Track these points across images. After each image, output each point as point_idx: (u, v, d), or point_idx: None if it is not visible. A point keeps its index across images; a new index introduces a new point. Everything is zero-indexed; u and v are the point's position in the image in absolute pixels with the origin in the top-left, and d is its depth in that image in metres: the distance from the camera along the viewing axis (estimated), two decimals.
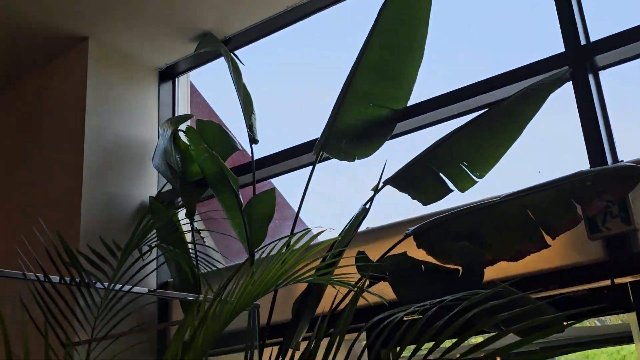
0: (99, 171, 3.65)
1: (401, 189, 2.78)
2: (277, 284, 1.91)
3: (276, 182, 3.75)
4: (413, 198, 2.76)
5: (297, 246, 1.88)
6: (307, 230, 2.53)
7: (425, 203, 2.75)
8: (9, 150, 4.21)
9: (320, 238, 2.37)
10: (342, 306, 2.54)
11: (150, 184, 3.87)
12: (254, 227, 3.11)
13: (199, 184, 3.49)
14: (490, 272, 2.48)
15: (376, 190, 2.79)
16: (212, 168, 3.26)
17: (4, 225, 3.96)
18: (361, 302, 2.09)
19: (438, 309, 1.82)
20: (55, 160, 3.82)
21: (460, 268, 2.50)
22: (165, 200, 3.77)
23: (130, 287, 2.13)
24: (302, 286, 2.75)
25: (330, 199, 3.94)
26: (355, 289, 1.93)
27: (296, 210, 2.99)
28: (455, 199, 2.75)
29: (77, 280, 2.08)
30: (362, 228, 2.84)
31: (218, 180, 3.24)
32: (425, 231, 2.62)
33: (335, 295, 2.33)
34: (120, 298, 2.10)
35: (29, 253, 2.05)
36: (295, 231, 2.92)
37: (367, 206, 2.78)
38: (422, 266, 2.57)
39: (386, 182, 2.79)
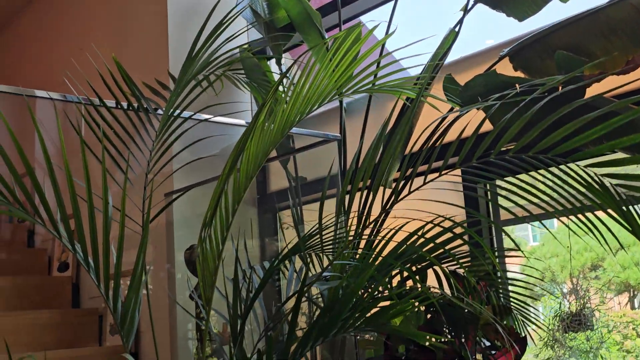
0: (183, 21, 3.55)
1: (494, 6, 2.46)
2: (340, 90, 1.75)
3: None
4: (508, 15, 2.44)
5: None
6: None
7: (521, 18, 2.42)
8: None
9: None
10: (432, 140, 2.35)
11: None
12: (341, 67, 2.92)
13: (287, 30, 3.33)
14: (597, 89, 2.16)
15: (465, 10, 2.49)
16: (296, 8, 3.08)
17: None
18: (453, 135, 1.90)
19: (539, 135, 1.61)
20: (140, 10, 3.78)
21: (560, 87, 2.20)
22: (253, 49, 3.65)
23: (192, 113, 2.04)
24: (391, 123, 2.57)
25: (418, 30, 3.63)
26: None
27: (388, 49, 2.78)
28: (557, 11, 2.39)
29: (136, 105, 2.01)
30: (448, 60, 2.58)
31: (303, 21, 3.06)
32: (522, 49, 2.31)
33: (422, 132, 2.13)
34: (180, 124, 2.01)
35: (81, 78, 2.00)
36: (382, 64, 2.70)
37: (457, 29, 2.50)
38: (517, 85, 2.28)
39: (477, 0, 2.48)
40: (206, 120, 2.17)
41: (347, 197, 2.08)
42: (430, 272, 2.13)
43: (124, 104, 2.01)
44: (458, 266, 2.05)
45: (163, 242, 3.34)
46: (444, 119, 2.34)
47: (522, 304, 2.21)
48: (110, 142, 1.89)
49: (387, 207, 2.03)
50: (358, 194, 2.02)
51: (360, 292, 1.64)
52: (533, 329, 2.27)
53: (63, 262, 4.10)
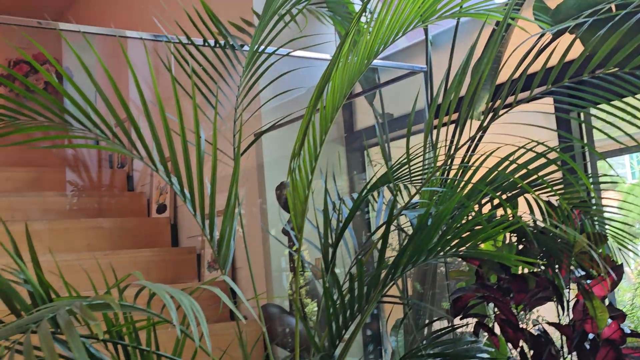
0: None
1: None
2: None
3: None
4: None
5: None
6: None
7: None
8: None
9: None
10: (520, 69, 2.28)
11: None
12: None
13: None
14: None
15: None
16: None
17: None
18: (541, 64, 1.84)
19: None
20: None
21: None
22: None
23: (276, 48, 2.06)
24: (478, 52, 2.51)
25: None
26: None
27: None
28: None
29: (222, 43, 2.05)
30: None
31: None
32: None
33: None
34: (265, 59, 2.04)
35: (169, 18, 2.05)
36: None
37: None
38: (613, 6, 2.17)
39: None
40: (288, 54, 2.18)
41: (434, 131, 2.06)
42: (521, 201, 2.10)
43: (212, 42, 2.05)
44: (551, 193, 2.01)
45: (254, 184, 3.43)
46: (535, 45, 2.27)
47: (619, 231, 2.15)
48: (200, 79, 1.95)
49: (476, 135, 2.00)
50: (445, 128, 2.00)
51: (448, 219, 1.64)
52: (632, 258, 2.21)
53: (161, 204, 4.29)
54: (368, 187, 1.97)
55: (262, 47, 2.02)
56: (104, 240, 3.82)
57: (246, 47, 2.10)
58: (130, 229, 3.98)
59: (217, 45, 2.06)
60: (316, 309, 2.71)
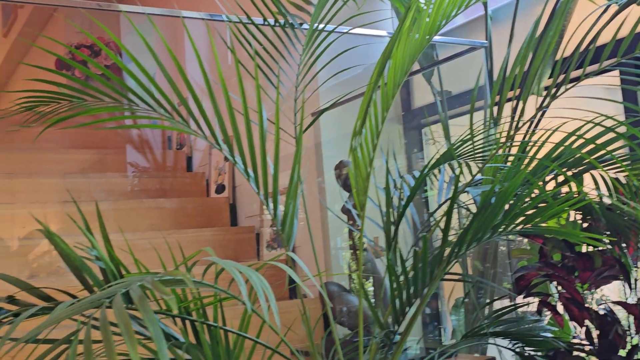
0: None
1: None
2: None
3: None
4: None
5: None
6: None
7: None
8: None
9: None
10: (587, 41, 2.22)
11: None
12: None
13: None
14: None
15: None
16: None
17: None
18: (607, 37, 1.78)
19: None
20: None
21: None
22: None
23: (335, 26, 2.05)
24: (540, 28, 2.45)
25: None
26: None
27: None
28: None
29: (282, 21, 2.05)
30: None
31: None
32: None
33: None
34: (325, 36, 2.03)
35: None
36: None
37: None
38: None
39: None
40: (348, 32, 2.17)
41: (495, 108, 2.03)
42: (586, 178, 2.06)
43: (271, 21, 2.06)
44: (619, 169, 1.96)
45: (313, 163, 3.44)
46: (601, 17, 2.20)
47: None
48: (261, 58, 1.96)
49: (539, 110, 1.96)
50: (507, 104, 1.96)
51: (513, 196, 1.62)
52: None
53: (220, 184, 4.35)
54: (430, 164, 1.95)
55: (321, 25, 2.01)
56: (166, 220, 3.91)
57: (305, 26, 2.09)
58: (191, 209, 4.05)
59: (277, 24, 2.06)
60: (372, 288, 2.71)
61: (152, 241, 3.54)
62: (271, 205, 1.66)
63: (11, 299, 1.42)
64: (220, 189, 4.35)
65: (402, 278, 1.64)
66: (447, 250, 1.66)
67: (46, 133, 4.27)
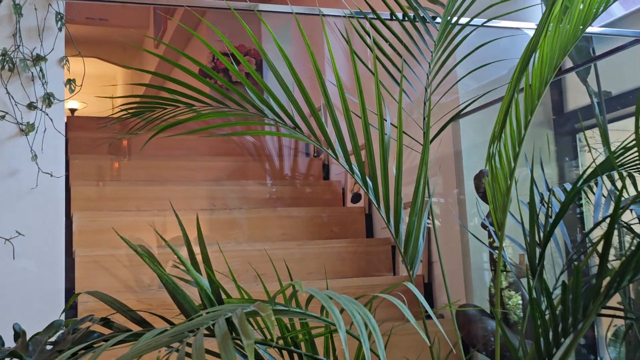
0: None
1: None
2: None
3: None
4: None
5: None
6: None
7: None
8: None
9: None
10: None
11: None
12: None
13: None
14: None
15: None
16: None
17: None
18: None
19: None
20: None
21: None
22: None
23: (470, 18, 1.80)
24: None
25: None
26: None
27: None
28: None
29: (412, 15, 1.83)
30: None
31: None
32: None
33: None
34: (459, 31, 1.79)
35: None
36: None
37: None
38: None
39: None
40: (484, 24, 1.91)
41: None
42: None
43: (399, 15, 1.85)
44: None
45: (452, 172, 3.18)
46: None
47: None
48: (387, 56, 1.75)
49: None
50: None
51: None
52: None
53: (355, 193, 4.18)
54: (584, 175, 1.66)
55: (456, 17, 1.77)
56: (298, 230, 3.79)
57: (438, 19, 1.86)
58: (325, 218, 3.91)
59: (405, 19, 1.85)
60: (520, 301, 2.42)
61: (283, 252, 3.44)
62: (392, 221, 1.45)
63: (105, 322, 1.31)
64: (356, 197, 4.19)
65: (548, 313, 1.37)
66: (606, 281, 1.37)
67: (182, 140, 4.31)
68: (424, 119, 1.70)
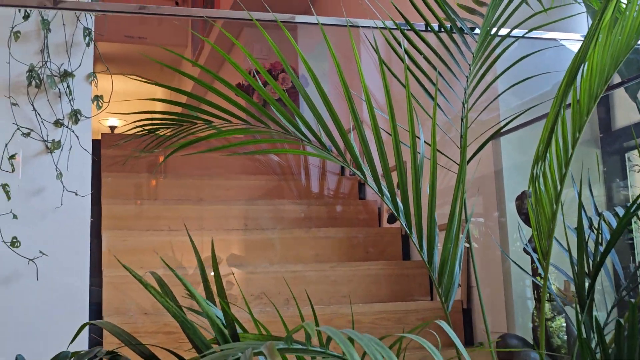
0: None
1: None
2: None
3: None
4: None
5: None
6: None
7: None
8: None
9: None
10: None
11: None
12: None
13: None
14: None
15: None
16: None
17: None
18: None
19: None
20: None
21: None
22: None
23: (510, 29, 1.68)
24: None
25: None
26: None
27: None
28: None
29: (449, 26, 1.71)
30: None
31: None
32: None
33: None
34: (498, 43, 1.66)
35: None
36: None
37: None
38: None
39: None
40: (526, 35, 1.78)
41: None
42: None
43: (435, 26, 1.73)
44: None
45: (492, 193, 3.03)
46: None
47: None
48: (420, 68, 1.64)
49: None
50: None
51: None
52: None
53: (391, 213, 4.05)
54: (638, 198, 1.51)
55: (495, 28, 1.65)
56: (332, 251, 3.67)
57: (476, 30, 1.74)
58: (360, 239, 3.78)
59: (442, 30, 1.73)
60: (564, 324, 2.26)
61: (316, 273, 3.33)
62: (425, 247, 1.32)
63: (113, 356, 1.21)
64: (392, 218, 4.05)
65: (599, 351, 1.23)
66: None
67: (216, 159, 4.22)
68: (461, 136, 1.57)
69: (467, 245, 2.79)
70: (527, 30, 1.77)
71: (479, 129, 2.06)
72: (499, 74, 1.68)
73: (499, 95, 1.73)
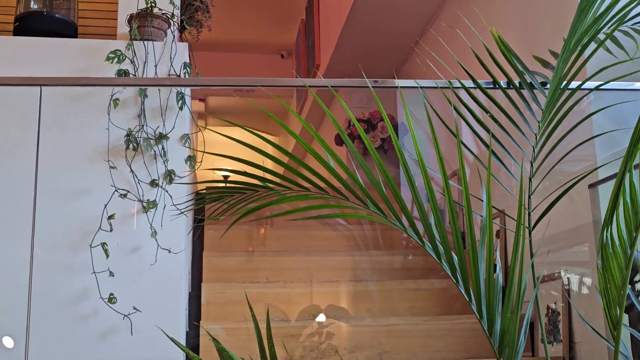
0: None
1: None
2: None
3: None
4: None
5: None
6: None
7: None
8: None
9: None
10: None
11: None
12: None
13: None
14: None
15: None
16: None
17: None
18: None
19: None
20: None
21: None
22: None
23: (581, 82, 1.61)
24: None
25: None
26: None
27: None
28: None
29: (518, 82, 1.67)
30: None
31: None
32: None
33: None
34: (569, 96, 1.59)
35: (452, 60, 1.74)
36: None
37: None
38: None
39: None
40: (598, 87, 1.70)
41: None
42: None
43: (502, 82, 1.70)
44: None
45: (592, 243, 2.88)
46: None
47: None
48: (483, 125, 1.60)
49: None
50: None
51: None
52: None
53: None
54: None
55: (566, 81, 1.59)
56: (427, 304, 3.59)
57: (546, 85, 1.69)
58: (455, 291, 3.67)
59: (510, 86, 1.69)
60: None
61: (410, 327, 3.26)
62: (485, 316, 1.28)
63: None
64: None
65: None
66: None
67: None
68: (529, 196, 1.52)
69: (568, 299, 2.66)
70: (601, 83, 1.70)
71: (562, 179, 1.98)
72: (568, 131, 1.62)
73: (565, 155, 1.64)
